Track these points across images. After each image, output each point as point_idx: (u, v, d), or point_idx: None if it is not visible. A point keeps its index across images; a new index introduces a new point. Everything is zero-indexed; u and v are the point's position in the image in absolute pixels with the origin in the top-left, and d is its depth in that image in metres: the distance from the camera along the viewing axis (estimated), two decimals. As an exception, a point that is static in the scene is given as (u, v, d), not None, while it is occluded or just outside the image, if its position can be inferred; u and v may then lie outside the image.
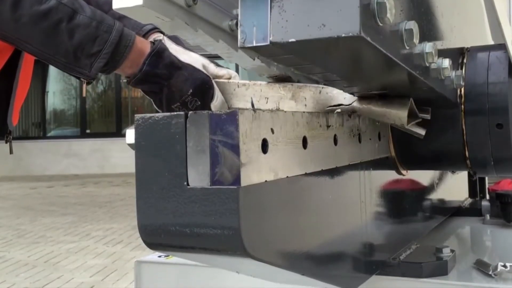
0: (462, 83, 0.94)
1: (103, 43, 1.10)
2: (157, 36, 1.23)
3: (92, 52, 1.10)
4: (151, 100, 1.21)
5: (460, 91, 1.02)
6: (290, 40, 0.55)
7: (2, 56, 1.27)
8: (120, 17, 1.29)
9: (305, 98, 0.98)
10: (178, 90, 1.16)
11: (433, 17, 0.82)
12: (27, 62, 1.37)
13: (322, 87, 0.97)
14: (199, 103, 1.17)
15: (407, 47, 0.64)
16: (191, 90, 1.16)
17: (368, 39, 0.54)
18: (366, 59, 0.64)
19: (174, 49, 1.16)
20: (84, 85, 1.19)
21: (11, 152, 1.45)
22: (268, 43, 0.56)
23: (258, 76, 1.07)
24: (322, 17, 0.54)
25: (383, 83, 0.83)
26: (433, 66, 0.78)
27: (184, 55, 1.18)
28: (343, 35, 0.53)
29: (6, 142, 1.42)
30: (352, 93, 0.92)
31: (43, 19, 1.07)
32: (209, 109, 1.18)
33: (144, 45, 1.15)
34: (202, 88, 1.13)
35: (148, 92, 1.20)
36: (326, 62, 0.67)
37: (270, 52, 0.61)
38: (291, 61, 0.68)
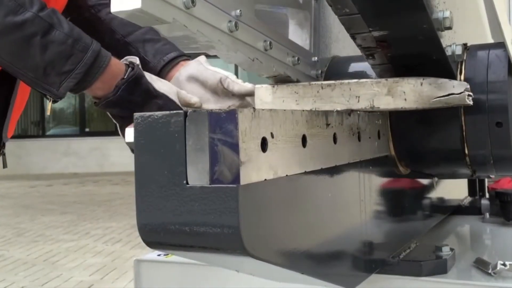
0: (462, 55, 0.93)
1: (76, 62, 1.05)
2: (182, 63, 1.21)
3: (63, 70, 1.05)
4: (117, 124, 1.17)
5: (460, 67, 1.02)
6: None
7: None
8: (145, 40, 1.27)
9: (404, 92, 0.93)
10: None
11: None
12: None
13: (424, 79, 0.93)
14: None
15: None
16: None
17: None
18: None
19: (149, 76, 1.14)
20: (50, 103, 1.13)
21: (4, 166, 1.41)
22: None
23: (258, 77, 1.06)
24: None
25: (390, 15, 0.80)
26: (434, 15, 0.78)
27: (159, 82, 1.16)
28: None
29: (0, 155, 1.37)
30: (352, 36, 0.88)
31: (16, 31, 1.03)
32: None
33: (118, 68, 1.12)
34: None
35: (115, 115, 1.16)
36: None
37: None
38: None
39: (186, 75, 1.25)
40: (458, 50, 0.93)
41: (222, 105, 1.23)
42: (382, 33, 0.85)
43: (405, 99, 0.93)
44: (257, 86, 1.08)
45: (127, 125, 1.14)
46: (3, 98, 1.31)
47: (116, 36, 1.32)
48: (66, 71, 1.05)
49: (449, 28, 0.82)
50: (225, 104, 1.23)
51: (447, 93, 0.92)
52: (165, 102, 1.14)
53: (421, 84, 0.92)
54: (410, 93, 0.93)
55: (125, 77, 1.11)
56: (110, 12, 1.32)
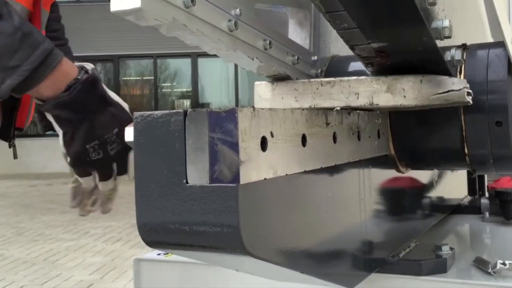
0: (462, 60, 0.93)
1: (24, 58, 0.96)
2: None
3: (8, 65, 0.95)
4: (61, 132, 1.09)
5: (459, 70, 1.02)
6: None
7: None
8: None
9: (404, 89, 0.93)
10: (102, 126, 1.07)
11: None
12: None
13: (423, 76, 0.93)
14: (120, 146, 1.09)
15: None
16: (116, 129, 1.08)
17: None
18: None
19: (102, 85, 1.09)
20: None
21: (15, 157, 1.37)
22: None
23: (258, 76, 1.06)
24: None
25: (388, 28, 0.81)
26: (433, 25, 0.79)
27: (111, 92, 1.12)
28: None
29: (10, 147, 1.33)
30: (351, 47, 0.88)
31: None
32: (126, 157, 1.13)
33: (71, 67, 1.05)
34: None
35: (62, 120, 1.07)
36: None
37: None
38: None
39: None
40: (458, 55, 0.92)
41: None
42: (381, 45, 0.86)
43: (405, 96, 0.93)
44: (256, 82, 1.08)
45: (72, 133, 1.07)
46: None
47: None
48: (10, 66, 0.96)
49: (449, 37, 0.82)
50: None
51: (446, 90, 0.92)
52: (118, 112, 1.10)
53: (421, 81, 0.93)
54: (410, 90, 0.93)
55: (79, 77, 1.04)
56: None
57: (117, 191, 1.25)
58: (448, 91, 0.92)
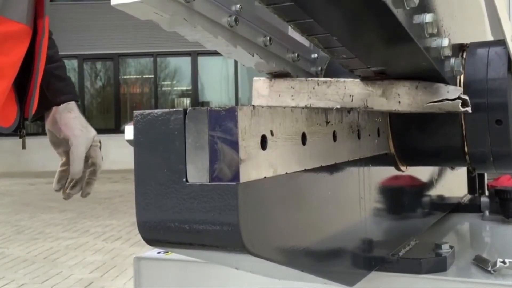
0: (461, 70, 0.93)
1: None
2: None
3: None
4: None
5: (460, 80, 1.02)
6: None
7: (22, 43, 1.26)
8: (52, 75, 1.40)
9: (399, 95, 0.93)
10: None
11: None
12: (44, 51, 1.33)
13: (419, 82, 0.92)
14: None
15: (407, 7, 0.64)
16: None
17: None
18: (367, 15, 0.63)
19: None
20: None
21: (23, 147, 1.47)
22: None
23: (258, 73, 1.06)
24: None
25: (383, 54, 0.82)
26: (433, 44, 0.78)
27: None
28: None
29: (20, 137, 1.42)
30: (351, 70, 0.90)
31: None
32: None
33: None
34: None
35: None
36: (327, 17, 0.66)
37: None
38: (291, 13, 0.67)
39: (54, 116, 1.40)
40: (457, 66, 0.92)
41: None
42: (380, 68, 0.86)
43: (399, 102, 0.93)
44: (255, 78, 1.08)
45: None
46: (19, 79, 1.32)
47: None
48: None
49: (448, 56, 0.82)
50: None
51: (441, 99, 0.92)
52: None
53: (416, 87, 0.92)
54: (405, 96, 0.93)
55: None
56: None
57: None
58: (443, 100, 0.92)
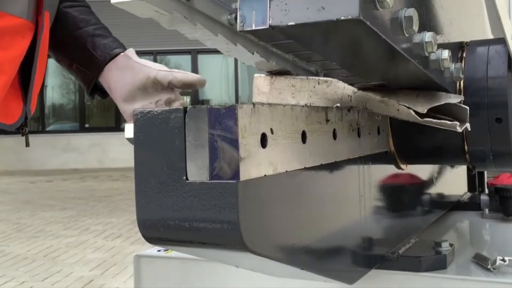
0: (461, 75, 0.93)
1: None
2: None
3: None
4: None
5: (460, 85, 1.02)
6: (289, 24, 0.55)
7: (22, 38, 1.24)
8: (94, 35, 1.32)
9: (398, 103, 0.93)
10: None
11: (432, 8, 0.82)
12: (43, 47, 1.31)
13: (419, 91, 0.92)
14: None
15: (406, 35, 0.64)
16: None
17: (368, 23, 0.53)
18: (365, 45, 0.64)
19: None
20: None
21: (27, 145, 1.41)
22: (267, 26, 0.56)
23: (258, 71, 1.06)
24: (322, 0, 0.53)
25: (382, 73, 0.83)
26: (432, 56, 0.78)
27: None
28: (342, 18, 0.52)
29: (22, 135, 1.37)
30: (351, 84, 0.91)
31: None
32: None
33: None
34: None
35: None
36: (325, 48, 0.66)
37: (269, 36, 0.60)
38: (290, 47, 0.67)
39: (115, 70, 1.27)
40: (457, 72, 0.92)
41: (149, 100, 1.22)
42: (380, 82, 0.87)
43: (398, 110, 0.93)
44: (256, 75, 1.08)
45: None
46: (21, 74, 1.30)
47: (68, 30, 1.34)
48: None
49: (448, 68, 0.82)
50: (153, 99, 1.22)
51: (443, 102, 0.92)
52: None
53: (417, 96, 0.92)
54: (405, 102, 0.93)
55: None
56: (64, 7, 1.36)
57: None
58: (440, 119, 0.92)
